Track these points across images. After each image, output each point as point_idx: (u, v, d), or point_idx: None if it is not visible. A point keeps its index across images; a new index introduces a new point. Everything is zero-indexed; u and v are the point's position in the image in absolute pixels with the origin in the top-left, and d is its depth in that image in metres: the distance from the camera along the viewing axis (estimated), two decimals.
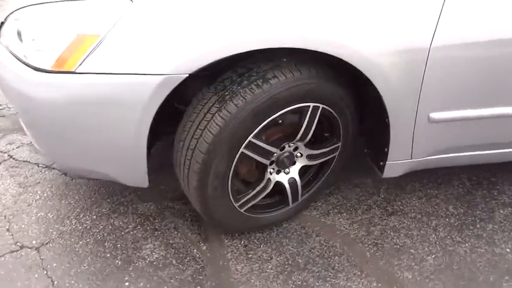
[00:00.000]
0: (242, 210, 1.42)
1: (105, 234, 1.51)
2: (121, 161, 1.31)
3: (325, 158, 1.49)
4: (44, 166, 1.82)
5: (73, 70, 1.17)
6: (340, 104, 1.35)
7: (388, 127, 1.34)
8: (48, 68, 1.19)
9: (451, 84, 1.28)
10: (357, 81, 1.33)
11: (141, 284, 1.34)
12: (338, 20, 1.15)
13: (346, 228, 1.57)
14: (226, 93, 1.20)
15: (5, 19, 1.37)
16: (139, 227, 1.55)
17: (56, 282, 1.33)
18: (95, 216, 1.58)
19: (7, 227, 1.53)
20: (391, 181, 1.78)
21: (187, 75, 1.14)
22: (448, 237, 1.54)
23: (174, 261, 1.42)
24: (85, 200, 1.65)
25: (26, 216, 1.57)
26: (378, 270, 1.41)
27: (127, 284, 1.34)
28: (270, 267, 1.41)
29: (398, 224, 1.59)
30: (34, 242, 1.48)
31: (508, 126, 1.43)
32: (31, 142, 1.66)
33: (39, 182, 1.74)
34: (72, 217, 1.58)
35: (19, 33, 1.28)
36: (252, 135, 1.24)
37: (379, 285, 1.36)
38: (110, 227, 1.54)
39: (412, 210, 1.66)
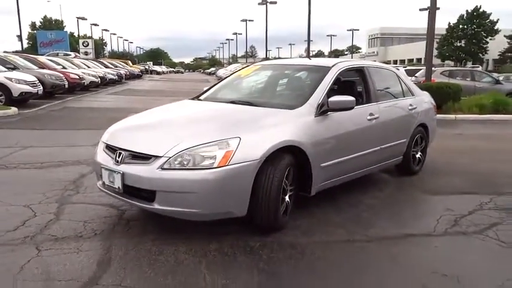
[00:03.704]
0: (283, 216, 3.47)
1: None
2: (242, 200, 3.23)
3: (294, 191, 3.72)
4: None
5: (226, 164, 3.15)
6: (294, 165, 3.68)
7: (311, 173, 3.75)
8: (216, 165, 3.12)
9: (326, 151, 3.87)
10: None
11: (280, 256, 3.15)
12: (302, 137, 3.62)
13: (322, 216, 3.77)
14: (276, 165, 3.37)
15: (170, 157, 3.16)
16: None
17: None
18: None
19: None
20: (304, 206, 4.09)
21: (265, 158, 3.29)
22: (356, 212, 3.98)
23: (280, 254, 3.22)
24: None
25: None
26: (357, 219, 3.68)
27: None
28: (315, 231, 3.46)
29: (336, 211, 3.95)
30: None
31: (353, 162, 4.18)
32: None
33: None
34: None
35: (188, 159, 3.14)
36: (284, 178, 3.42)
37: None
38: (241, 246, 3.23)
39: (326, 205, 4.03)
